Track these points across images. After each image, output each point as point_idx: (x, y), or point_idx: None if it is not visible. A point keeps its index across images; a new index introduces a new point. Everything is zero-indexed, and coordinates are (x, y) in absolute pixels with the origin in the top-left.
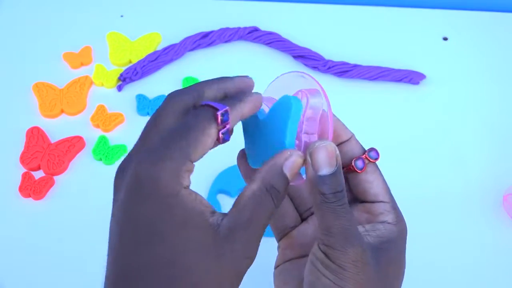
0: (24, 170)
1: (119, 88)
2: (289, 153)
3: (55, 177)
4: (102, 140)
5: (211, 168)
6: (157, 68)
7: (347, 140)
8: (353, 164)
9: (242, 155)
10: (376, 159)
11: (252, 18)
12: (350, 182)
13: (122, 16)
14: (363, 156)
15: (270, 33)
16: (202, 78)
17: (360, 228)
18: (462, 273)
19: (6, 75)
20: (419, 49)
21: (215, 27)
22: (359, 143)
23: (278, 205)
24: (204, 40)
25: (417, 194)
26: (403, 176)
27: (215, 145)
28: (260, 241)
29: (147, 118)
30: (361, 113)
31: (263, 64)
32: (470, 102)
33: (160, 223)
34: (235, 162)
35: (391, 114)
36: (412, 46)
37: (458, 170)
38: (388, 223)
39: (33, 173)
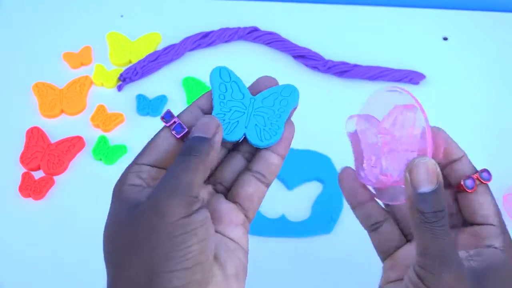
0: (24, 170)
1: (119, 88)
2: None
3: (55, 177)
4: (102, 140)
5: None
6: (157, 68)
7: (458, 159)
8: (462, 183)
9: (348, 172)
10: (488, 180)
11: (252, 18)
12: (459, 202)
13: (122, 16)
14: (474, 176)
15: (270, 33)
16: (202, 78)
17: (464, 253)
18: None
19: (6, 75)
20: (419, 49)
21: (215, 27)
22: (471, 162)
23: (200, 159)
24: (204, 40)
25: None
26: None
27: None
28: (191, 191)
29: (147, 118)
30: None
31: (263, 64)
32: (470, 102)
33: (109, 218)
34: None
35: None
36: (412, 46)
37: None
38: (495, 247)
39: (33, 173)
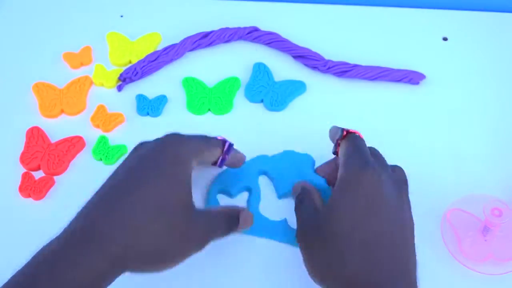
0: (24, 170)
1: (119, 88)
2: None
3: (55, 177)
4: (102, 140)
5: (211, 168)
6: (157, 68)
7: None
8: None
9: None
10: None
11: (252, 18)
12: None
13: (122, 16)
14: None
15: (270, 33)
16: (202, 78)
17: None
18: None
19: (6, 75)
20: (419, 49)
21: (215, 27)
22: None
23: (224, 228)
24: (204, 40)
25: (417, 194)
26: None
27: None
28: (207, 239)
29: (147, 118)
30: (361, 113)
31: None
32: (470, 102)
33: (156, 171)
34: None
35: (391, 114)
36: (412, 46)
37: (459, 170)
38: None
39: (33, 173)
